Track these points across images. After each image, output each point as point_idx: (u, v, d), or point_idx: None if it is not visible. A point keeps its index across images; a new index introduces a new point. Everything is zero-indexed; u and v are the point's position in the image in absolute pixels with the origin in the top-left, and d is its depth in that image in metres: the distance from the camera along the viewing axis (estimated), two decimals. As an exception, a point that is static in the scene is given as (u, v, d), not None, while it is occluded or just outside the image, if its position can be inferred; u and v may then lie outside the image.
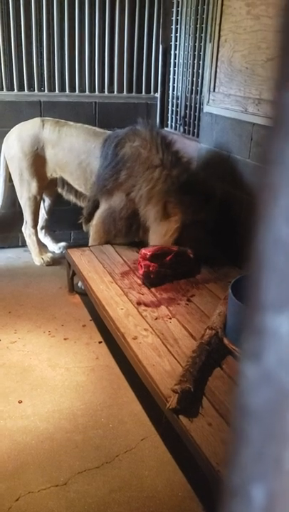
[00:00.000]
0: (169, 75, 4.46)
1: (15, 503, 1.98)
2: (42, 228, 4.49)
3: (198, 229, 3.31)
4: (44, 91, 4.32)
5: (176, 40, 4.28)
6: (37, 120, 4.03)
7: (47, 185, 4.16)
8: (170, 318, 2.73)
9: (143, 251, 3.15)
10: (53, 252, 4.42)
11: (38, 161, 4.00)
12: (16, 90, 4.22)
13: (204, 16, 3.77)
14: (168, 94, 4.52)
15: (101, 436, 2.36)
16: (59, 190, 4.19)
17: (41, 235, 4.48)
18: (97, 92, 4.47)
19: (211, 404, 2.01)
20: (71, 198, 4.16)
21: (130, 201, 3.53)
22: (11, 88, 4.22)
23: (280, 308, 0.31)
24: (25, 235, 4.29)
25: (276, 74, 0.32)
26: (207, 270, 3.34)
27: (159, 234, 3.38)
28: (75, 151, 3.88)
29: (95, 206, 3.79)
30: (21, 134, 4.00)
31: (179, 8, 4.15)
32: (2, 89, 4.20)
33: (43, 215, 4.45)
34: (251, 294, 0.32)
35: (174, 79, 4.41)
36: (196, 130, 4.06)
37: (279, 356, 0.32)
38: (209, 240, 3.41)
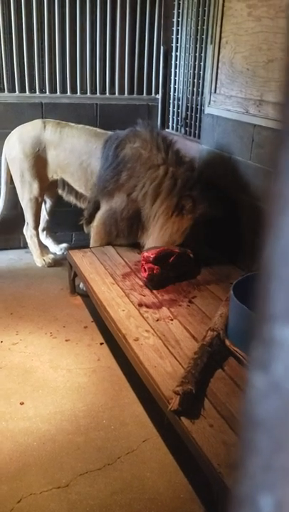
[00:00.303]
0: (170, 76, 4.46)
1: (17, 505, 1.98)
2: (43, 230, 4.50)
3: (205, 227, 3.32)
4: (45, 92, 4.33)
5: (177, 42, 4.29)
6: (38, 122, 4.04)
7: (48, 186, 4.17)
8: (171, 320, 2.73)
9: (145, 254, 3.15)
10: (55, 254, 4.42)
11: (39, 162, 4.01)
12: (17, 92, 4.23)
13: (205, 18, 3.77)
14: (169, 95, 4.52)
15: (103, 437, 2.36)
16: (59, 191, 4.20)
17: (43, 236, 4.49)
18: (98, 94, 4.48)
19: (213, 406, 2.02)
20: (71, 199, 4.16)
21: (132, 202, 3.53)
22: (12, 90, 4.23)
23: (288, 319, 0.31)
24: (26, 236, 4.30)
25: (283, 79, 0.31)
26: (208, 271, 3.34)
27: (170, 230, 3.35)
28: (76, 151, 3.89)
29: (96, 207, 3.80)
30: (22, 135, 4.00)
31: (180, 10, 4.16)
32: (4, 91, 4.21)
33: (44, 216, 4.46)
34: (260, 304, 0.32)
35: (175, 80, 4.41)
36: (197, 131, 4.06)
37: (287, 366, 0.32)
38: (204, 240, 3.42)
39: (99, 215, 3.76)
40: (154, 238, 3.42)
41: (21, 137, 4.00)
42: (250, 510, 0.33)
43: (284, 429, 0.32)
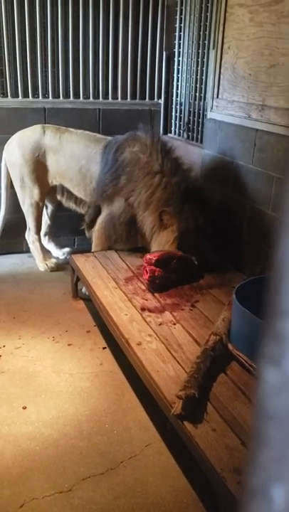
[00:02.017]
0: (173, 81, 4.48)
1: (19, 510, 1.98)
2: (45, 234, 4.51)
3: (196, 236, 3.33)
4: (48, 98, 4.35)
5: (179, 47, 4.31)
6: (38, 127, 4.05)
7: (49, 191, 4.18)
8: (174, 324, 2.73)
9: (148, 256, 3.15)
10: (57, 258, 4.43)
11: (39, 167, 4.02)
12: (20, 97, 4.25)
13: (207, 23, 3.79)
14: (171, 100, 4.54)
15: (105, 442, 2.35)
16: (58, 197, 4.21)
17: (45, 240, 4.50)
18: (101, 99, 4.50)
19: (216, 410, 2.01)
20: (71, 205, 4.17)
21: (129, 206, 3.54)
22: (15, 95, 4.25)
23: None
24: (28, 241, 4.30)
25: None
26: (211, 276, 3.34)
27: (160, 244, 3.41)
28: (75, 157, 3.90)
29: (97, 212, 3.81)
30: (22, 140, 4.02)
31: (183, 16, 4.18)
32: (7, 96, 4.23)
33: (46, 221, 4.47)
34: (271, 300, 0.33)
35: (177, 85, 4.43)
36: (199, 136, 4.07)
37: None
38: (208, 246, 3.41)
39: (99, 220, 3.77)
40: (154, 248, 3.45)
41: (21, 142, 4.01)
42: (262, 501, 0.34)
43: None
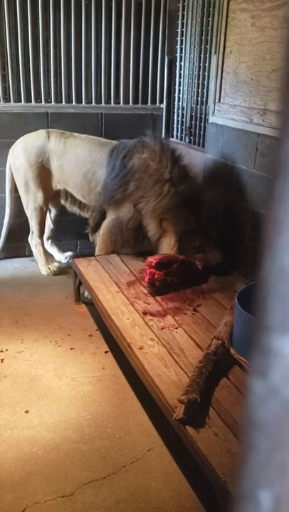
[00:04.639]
0: (175, 86, 4.50)
1: (21, 514, 1.98)
2: (48, 238, 4.52)
3: (198, 237, 3.37)
4: (51, 102, 4.37)
5: (181, 52, 4.33)
6: (42, 132, 4.08)
7: (52, 196, 4.20)
8: (176, 328, 2.73)
9: (149, 259, 3.17)
10: (60, 262, 4.44)
11: (43, 172, 4.04)
12: (23, 102, 4.27)
13: (209, 28, 3.81)
14: (173, 105, 4.56)
15: (107, 446, 2.35)
16: (62, 202, 4.23)
17: (47, 244, 4.51)
18: (103, 103, 4.52)
19: (218, 415, 2.01)
20: (75, 209, 4.18)
21: (137, 212, 3.56)
22: (18, 100, 4.28)
23: (285, 331, 0.35)
24: (31, 245, 4.32)
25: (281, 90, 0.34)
26: (213, 279, 3.35)
27: (163, 249, 3.49)
28: (80, 161, 3.91)
29: (102, 216, 3.82)
30: (27, 145, 4.04)
31: (184, 20, 4.20)
32: (10, 101, 4.25)
33: (49, 225, 4.48)
34: (258, 316, 0.36)
35: (179, 90, 4.45)
36: (201, 140, 4.08)
37: (284, 373, 0.35)
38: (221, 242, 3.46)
39: (105, 224, 3.78)
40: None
41: (26, 147, 4.03)
42: (250, 505, 0.36)
43: (281, 430, 0.35)
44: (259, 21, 3.16)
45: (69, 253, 4.53)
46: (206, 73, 3.94)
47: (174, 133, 4.59)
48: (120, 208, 3.65)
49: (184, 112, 4.37)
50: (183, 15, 4.23)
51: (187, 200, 3.39)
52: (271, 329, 0.35)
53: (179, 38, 4.33)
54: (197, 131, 4.17)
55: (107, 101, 4.55)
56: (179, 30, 4.32)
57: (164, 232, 3.47)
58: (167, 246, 3.43)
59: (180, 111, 4.46)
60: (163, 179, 3.46)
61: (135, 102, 4.62)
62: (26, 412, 2.56)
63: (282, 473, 0.35)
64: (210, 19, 3.79)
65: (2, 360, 3.01)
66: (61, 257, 4.51)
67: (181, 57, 4.35)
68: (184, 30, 4.22)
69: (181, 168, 3.53)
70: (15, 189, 4.25)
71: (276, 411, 0.35)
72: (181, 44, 4.30)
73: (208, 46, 3.86)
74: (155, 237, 3.52)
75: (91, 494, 2.08)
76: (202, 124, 4.07)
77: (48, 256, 4.39)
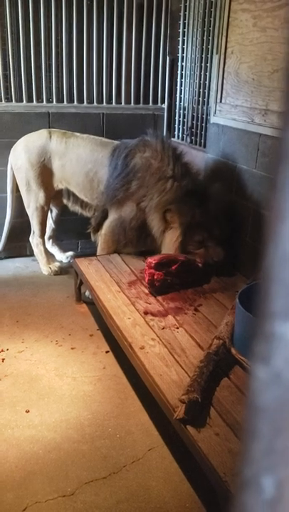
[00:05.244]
0: (176, 86, 4.50)
1: (22, 513, 1.98)
2: (49, 238, 4.52)
3: (201, 231, 3.36)
4: (52, 102, 4.37)
5: (183, 52, 4.33)
6: (44, 131, 4.08)
7: (54, 195, 4.20)
8: (177, 328, 2.73)
9: (149, 259, 3.17)
10: (61, 262, 4.44)
11: (44, 171, 4.04)
12: (24, 102, 4.28)
13: (211, 28, 3.81)
14: (175, 105, 4.56)
15: (108, 446, 2.35)
16: (64, 201, 4.23)
17: (49, 244, 4.51)
18: (104, 103, 4.52)
19: (219, 414, 2.01)
20: (77, 209, 4.19)
21: (140, 211, 3.56)
22: (19, 100, 4.28)
23: (287, 316, 0.35)
24: (32, 244, 4.32)
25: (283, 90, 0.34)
26: (214, 279, 3.34)
27: (167, 243, 3.43)
28: (82, 161, 3.92)
29: (104, 216, 3.82)
30: (28, 144, 4.04)
31: (186, 21, 4.20)
32: (11, 101, 4.26)
33: (50, 224, 4.48)
34: (261, 303, 0.36)
35: (180, 90, 4.45)
36: (202, 140, 4.08)
37: (286, 358, 0.36)
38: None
39: (107, 224, 3.78)
40: (165, 250, 3.49)
41: (27, 146, 4.04)
42: (253, 491, 0.37)
43: (283, 415, 0.36)
44: (260, 21, 3.16)
45: (70, 253, 4.53)
46: (207, 73, 3.94)
47: (176, 133, 4.59)
48: (123, 207, 3.65)
49: (186, 112, 4.37)
50: (184, 15, 4.23)
51: (192, 192, 3.38)
52: (274, 315, 0.35)
53: (180, 38, 4.33)
54: (198, 132, 4.17)
55: (109, 101, 4.55)
56: (180, 30, 4.32)
57: (168, 225, 3.44)
58: (170, 239, 3.41)
59: (181, 111, 4.46)
60: (165, 176, 3.46)
61: (137, 102, 4.62)
62: (27, 411, 2.56)
63: (285, 459, 0.36)
64: (211, 19, 3.79)
65: (3, 359, 3.01)
66: (62, 257, 4.51)
67: (182, 57, 4.35)
68: (186, 30, 4.22)
69: (183, 166, 3.54)
70: (16, 189, 4.25)
71: (279, 396, 0.36)
72: (183, 44, 4.31)
73: (209, 46, 3.86)
74: (159, 231, 3.48)
75: (92, 494, 2.08)
76: (203, 124, 4.07)
77: (49, 256, 4.39)
